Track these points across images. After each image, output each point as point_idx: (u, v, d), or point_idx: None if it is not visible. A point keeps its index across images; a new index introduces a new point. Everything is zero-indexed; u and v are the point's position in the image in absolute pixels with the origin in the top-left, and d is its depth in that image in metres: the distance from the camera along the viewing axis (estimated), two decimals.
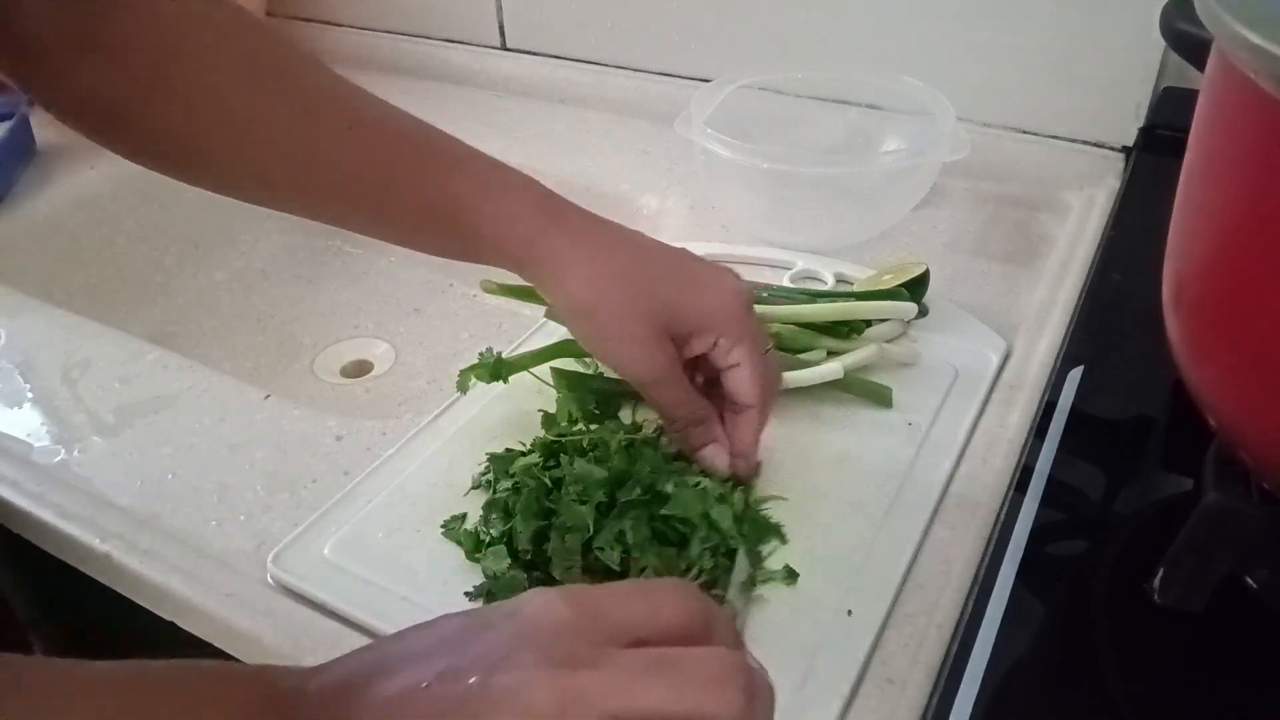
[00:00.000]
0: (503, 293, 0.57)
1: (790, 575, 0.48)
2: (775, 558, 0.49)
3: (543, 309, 0.57)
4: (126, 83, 0.48)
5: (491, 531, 0.49)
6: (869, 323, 0.62)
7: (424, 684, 0.32)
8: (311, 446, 0.58)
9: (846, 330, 0.61)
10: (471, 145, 0.52)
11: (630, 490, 0.48)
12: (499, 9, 1.06)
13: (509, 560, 0.47)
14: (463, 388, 0.56)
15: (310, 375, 0.88)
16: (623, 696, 0.31)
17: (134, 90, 0.49)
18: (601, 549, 0.46)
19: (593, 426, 0.54)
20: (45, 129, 0.95)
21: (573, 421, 0.54)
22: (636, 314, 0.48)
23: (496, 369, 0.56)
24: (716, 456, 0.51)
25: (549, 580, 0.47)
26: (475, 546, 0.49)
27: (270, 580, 0.50)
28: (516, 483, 0.50)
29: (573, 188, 0.94)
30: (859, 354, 0.59)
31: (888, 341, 0.62)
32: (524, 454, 0.53)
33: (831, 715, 0.42)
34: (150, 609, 0.51)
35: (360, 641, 0.46)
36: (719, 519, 0.47)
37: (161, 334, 0.92)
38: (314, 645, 0.46)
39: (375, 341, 0.90)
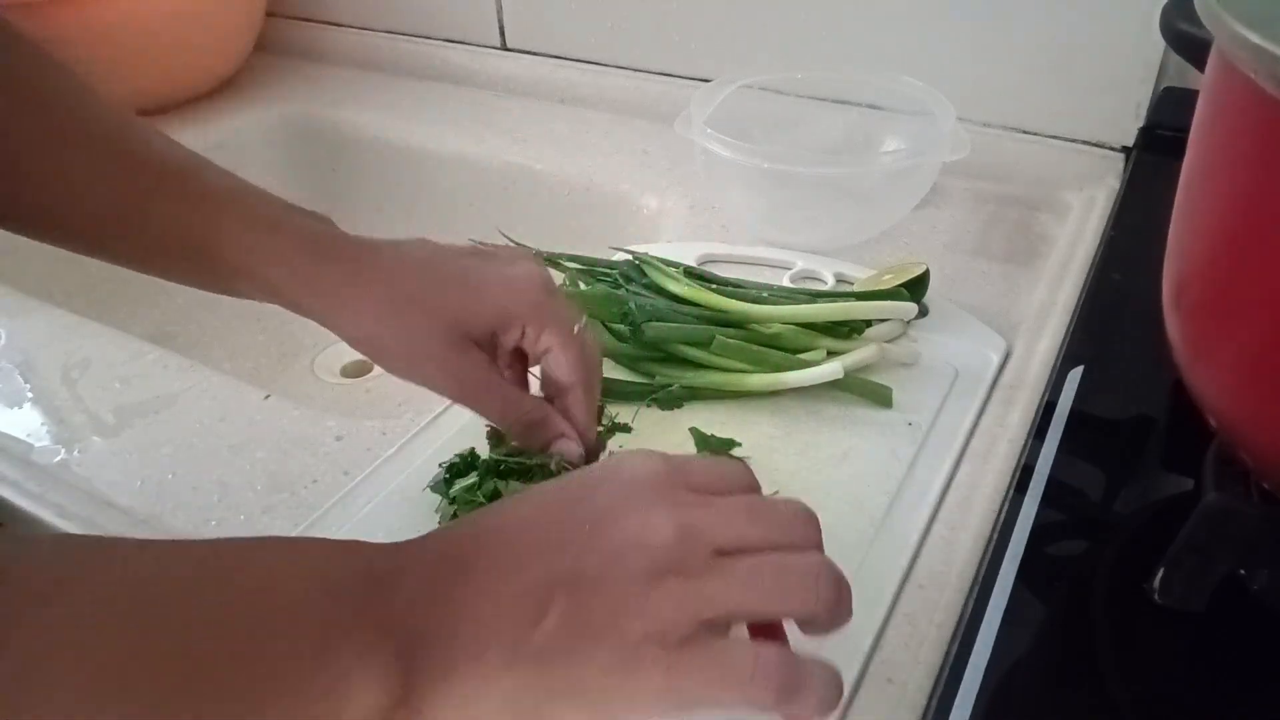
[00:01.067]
0: None
1: None
2: None
3: None
4: None
5: None
6: (869, 323, 0.62)
7: (538, 541, 0.35)
8: (311, 446, 0.58)
9: (847, 330, 0.61)
10: (243, 180, 0.49)
11: None
12: (499, 9, 1.06)
13: None
14: None
15: (310, 375, 0.88)
16: (730, 531, 0.35)
17: None
18: None
19: None
20: None
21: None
22: (427, 332, 0.47)
23: None
24: (567, 448, 0.49)
25: None
26: None
27: None
28: (455, 511, 0.49)
29: (573, 188, 0.94)
30: (859, 354, 0.59)
31: (888, 341, 0.62)
32: (468, 463, 0.52)
33: (832, 715, 0.42)
34: None
35: None
36: None
37: (161, 334, 0.92)
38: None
39: None
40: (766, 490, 0.52)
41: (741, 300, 0.62)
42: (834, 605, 0.35)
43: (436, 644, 0.32)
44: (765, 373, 0.58)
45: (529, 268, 0.50)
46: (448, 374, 0.48)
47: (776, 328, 0.60)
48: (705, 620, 0.33)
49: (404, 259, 0.49)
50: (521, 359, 0.52)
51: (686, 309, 0.62)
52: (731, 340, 0.58)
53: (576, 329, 0.50)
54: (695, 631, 0.33)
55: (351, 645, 0.31)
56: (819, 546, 0.37)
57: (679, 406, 0.59)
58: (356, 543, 0.35)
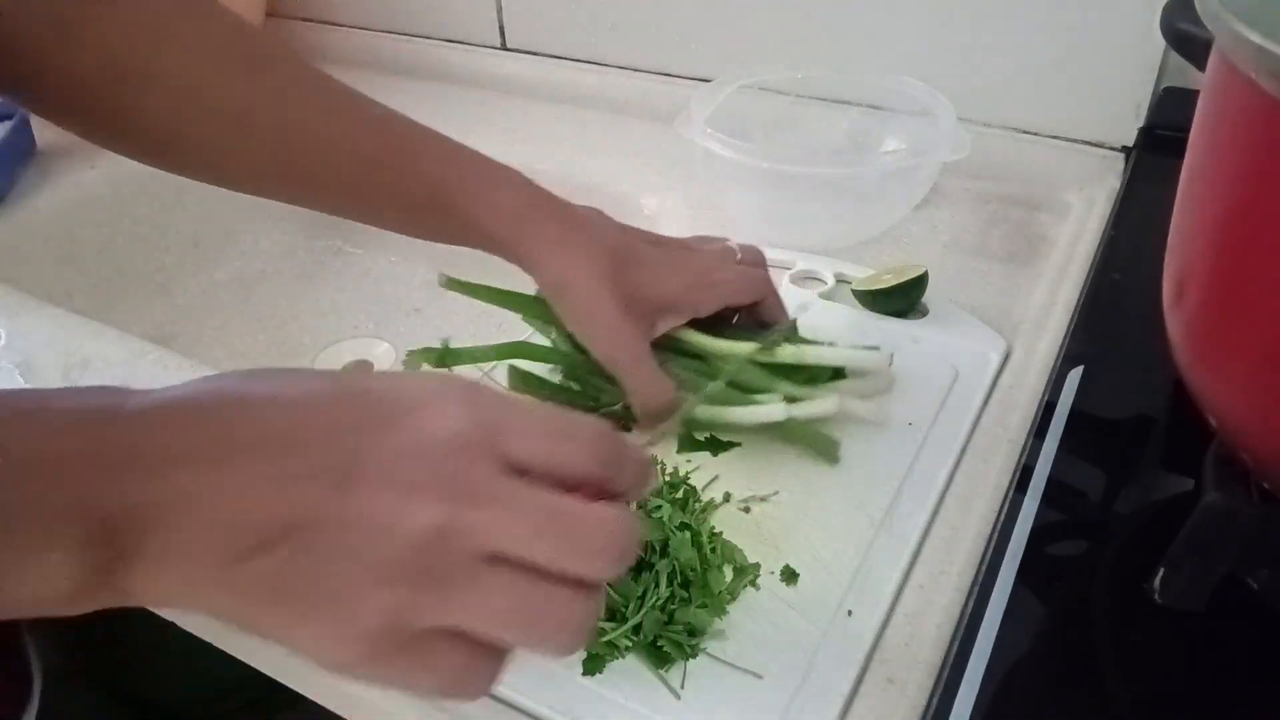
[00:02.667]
0: (456, 288, 0.56)
1: (790, 575, 0.48)
2: (775, 558, 0.49)
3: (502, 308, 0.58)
4: (110, 76, 0.49)
5: None
6: (840, 373, 0.58)
7: (285, 471, 0.30)
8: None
9: (803, 378, 0.56)
10: (456, 140, 0.56)
11: None
12: (499, 9, 1.05)
13: None
14: (410, 366, 0.55)
15: None
16: (508, 542, 0.30)
17: (118, 83, 0.49)
18: None
19: None
20: (45, 129, 0.94)
21: None
22: (605, 292, 0.52)
23: (443, 357, 0.55)
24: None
25: None
26: None
27: None
28: None
29: (573, 188, 0.93)
30: (816, 405, 0.54)
31: (864, 397, 0.57)
32: None
33: (831, 715, 0.42)
34: (150, 609, 0.51)
35: None
36: (678, 548, 0.46)
37: (161, 334, 0.92)
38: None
39: (375, 341, 0.90)
40: (767, 490, 0.53)
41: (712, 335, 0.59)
42: (572, 648, 0.32)
43: (147, 537, 0.30)
44: (717, 406, 0.55)
45: (704, 259, 0.57)
46: (614, 334, 0.52)
47: (734, 365, 0.56)
48: (430, 629, 0.30)
49: (596, 222, 0.55)
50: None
51: None
52: (681, 372, 0.56)
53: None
54: (417, 634, 0.30)
55: (51, 522, 0.29)
56: (614, 567, 0.32)
57: (631, 428, 0.56)
58: (115, 405, 0.31)
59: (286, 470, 0.30)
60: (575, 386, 0.59)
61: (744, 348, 0.57)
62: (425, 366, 0.56)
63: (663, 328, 0.55)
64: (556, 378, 0.60)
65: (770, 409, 0.53)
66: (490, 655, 0.32)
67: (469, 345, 0.57)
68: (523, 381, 0.57)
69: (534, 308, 0.58)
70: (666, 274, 0.55)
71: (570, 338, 0.57)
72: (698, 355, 0.58)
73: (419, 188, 0.54)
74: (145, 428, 0.30)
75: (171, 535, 0.29)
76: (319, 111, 0.53)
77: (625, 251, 0.54)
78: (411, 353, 0.56)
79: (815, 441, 0.55)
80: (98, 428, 0.30)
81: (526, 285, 0.56)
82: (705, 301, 0.56)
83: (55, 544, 0.29)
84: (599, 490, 0.33)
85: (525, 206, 0.54)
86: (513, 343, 0.58)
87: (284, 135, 0.52)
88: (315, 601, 0.30)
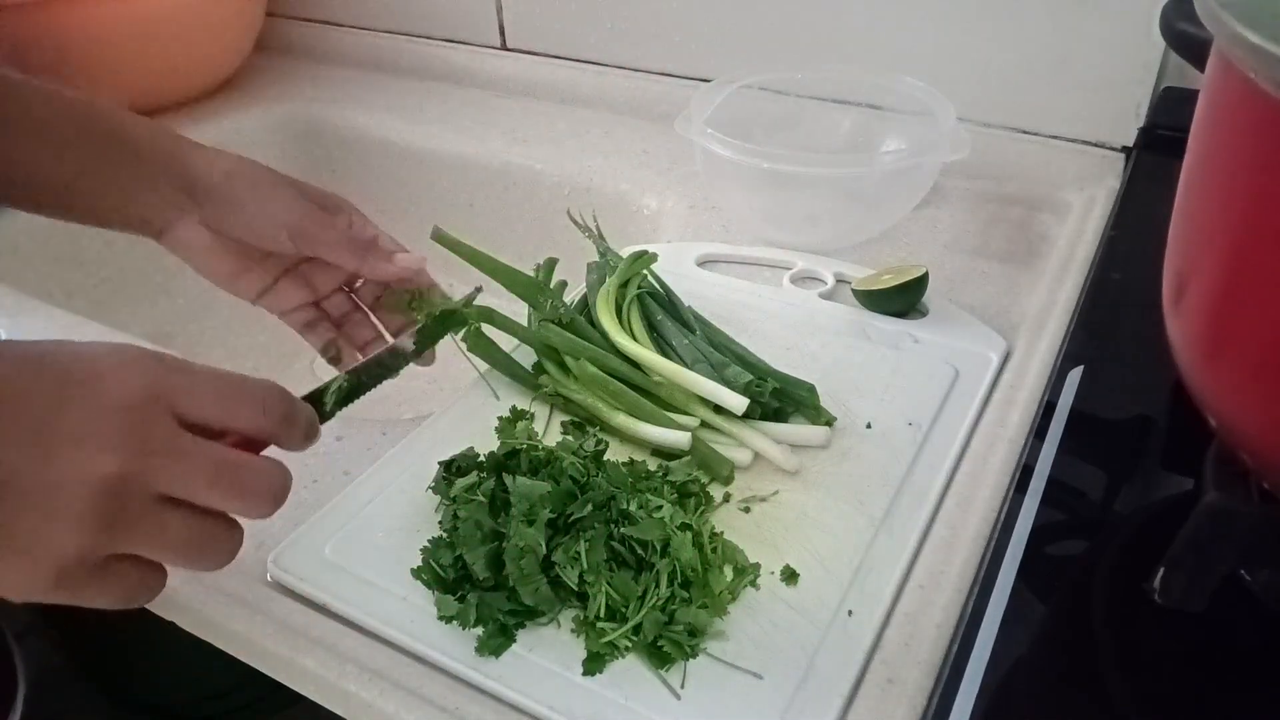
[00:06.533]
0: (447, 243, 0.61)
1: (790, 575, 0.48)
2: (775, 558, 0.49)
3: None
4: None
5: (442, 563, 0.47)
6: (783, 412, 0.57)
7: None
8: (312, 446, 0.58)
9: (715, 406, 0.56)
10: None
11: (583, 506, 0.47)
12: (499, 9, 1.06)
13: (458, 605, 0.46)
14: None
15: (310, 375, 0.88)
16: (179, 486, 0.37)
17: None
18: (560, 566, 0.45)
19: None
20: None
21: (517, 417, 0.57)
22: (273, 181, 0.57)
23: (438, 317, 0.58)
24: (405, 261, 0.58)
25: (517, 602, 0.45)
26: (442, 586, 0.48)
27: (270, 580, 0.50)
28: (456, 511, 0.49)
29: (573, 188, 0.94)
30: (727, 447, 0.55)
31: (795, 445, 0.55)
32: (474, 463, 0.52)
33: (831, 715, 0.42)
34: (149, 609, 0.51)
35: (360, 643, 0.46)
36: (678, 548, 0.46)
37: (161, 334, 0.92)
38: (313, 646, 0.46)
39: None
40: (767, 490, 0.53)
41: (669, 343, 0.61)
42: (223, 565, 0.40)
43: None
44: (627, 416, 0.56)
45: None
46: (290, 207, 0.56)
47: (658, 379, 0.58)
48: (116, 555, 0.37)
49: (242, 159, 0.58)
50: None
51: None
52: (591, 369, 0.58)
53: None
54: (101, 561, 0.36)
55: None
56: (270, 508, 0.40)
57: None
58: None
59: None
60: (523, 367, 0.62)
61: (666, 366, 0.58)
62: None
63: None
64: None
65: (674, 434, 0.55)
66: (159, 571, 0.39)
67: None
68: (482, 346, 0.60)
69: (519, 284, 0.63)
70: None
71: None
72: (632, 361, 0.59)
73: (94, 139, 0.55)
74: None
75: None
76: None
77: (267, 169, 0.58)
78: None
79: (708, 460, 0.54)
80: None
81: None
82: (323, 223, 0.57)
83: None
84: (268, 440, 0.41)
85: (188, 143, 0.57)
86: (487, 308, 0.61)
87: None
88: (9, 544, 0.34)
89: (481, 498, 0.48)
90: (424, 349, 0.56)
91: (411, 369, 0.55)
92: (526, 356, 0.63)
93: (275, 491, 0.40)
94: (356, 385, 0.48)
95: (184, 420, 0.37)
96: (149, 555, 0.38)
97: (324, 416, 0.47)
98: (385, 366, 0.51)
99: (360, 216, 0.59)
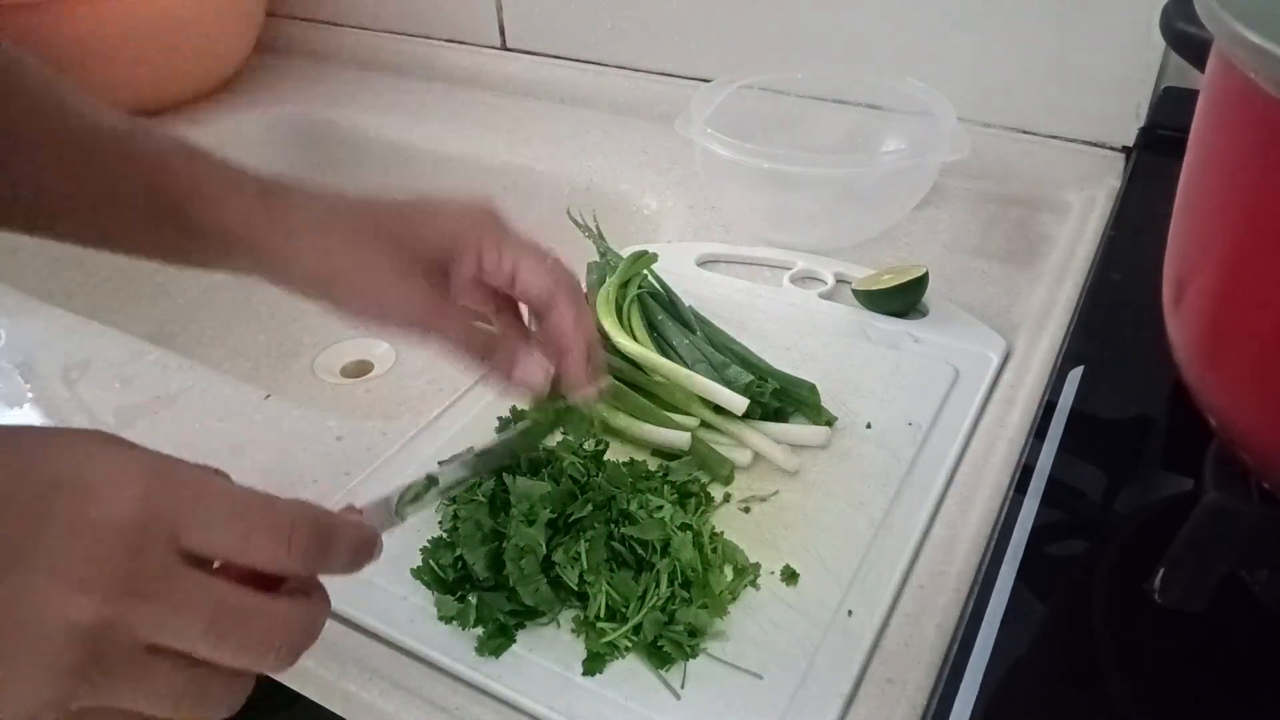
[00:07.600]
0: None
1: (790, 575, 0.48)
2: (775, 558, 0.49)
3: None
4: None
5: (442, 563, 0.47)
6: (780, 411, 0.57)
7: None
8: (311, 447, 0.58)
9: (714, 406, 0.56)
10: (195, 144, 0.50)
11: (583, 506, 0.47)
12: (499, 9, 1.06)
13: (459, 605, 0.46)
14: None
15: (310, 375, 0.88)
16: (169, 636, 0.30)
17: None
18: (560, 566, 0.45)
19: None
20: None
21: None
22: (378, 265, 0.46)
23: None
24: (529, 373, 0.47)
25: (517, 603, 0.45)
26: (442, 586, 0.47)
27: None
28: (456, 511, 0.48)
29: (573, 188, 0.94)
30: (728, 448, 0.55)
31: (795, 444, 0.56)
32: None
33: (831, 715, 0.42)
34: None
35: (361, 642, 0.46)
36: (679, 548, 0.46)
37: (161, 334, 0.92)
38: (312, 646, 0.46)
39: (375, 342, 0.90)
40: (767, 490, 0.53)
41: (677, 345, 0.61)
42: (228, 711, 0.33)
43: None
44: (628, 416, 0.56)
45: (482, 203, 0.48)
46: (403, 301, 0.46)
47: (658, 379, 0.58)
48: (96, 707, 0.31)
49: (354, 198, 0.48)
50: (510, 305, 0.49)
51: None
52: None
53: (543, 252, 0.47)
54: (79, 710, 0.31)
55: None
56: (283, 664, 0.33)
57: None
58: None
59: None
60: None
61: (666, 366, 0.58)
62: None
63: (464, 273, 0.46)
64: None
65: (674, 434, 0.54)
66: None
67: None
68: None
69: None
70: (443, 217, 0.47)
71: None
72: (632, 362, 0.59)
73: (137, 192, 0.47)
74: None
75: None
76: (36, 135, 0.48)
77: (386, 212, 0.47)
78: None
79: (708, 460, 0.54)
80: None
81: None
82: (493, 234, 0.46)
83: None
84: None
85: (262, 200, 0.47)
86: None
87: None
88: None
89: (481, 498, 0.48)
90: (527, 448, 0.48)
91: (408, 369, 0.54)
92: None
93: (294, 643, 0.32)
94: (429, 486, 0.43)
95: (186, 550, 0.31)
96: (131, 708, 0.32)
97: (391, 522, 0.41)
98: (468, 466, 0.46)
99: (570, 310, 0.46)
